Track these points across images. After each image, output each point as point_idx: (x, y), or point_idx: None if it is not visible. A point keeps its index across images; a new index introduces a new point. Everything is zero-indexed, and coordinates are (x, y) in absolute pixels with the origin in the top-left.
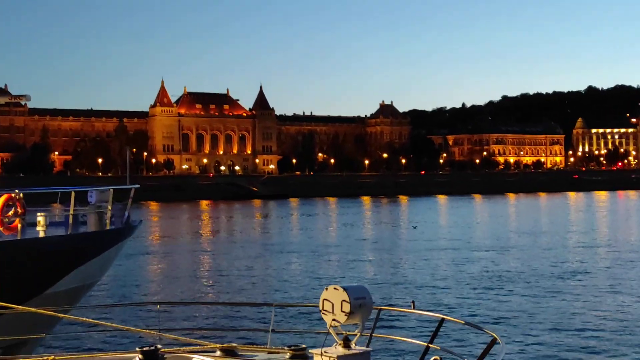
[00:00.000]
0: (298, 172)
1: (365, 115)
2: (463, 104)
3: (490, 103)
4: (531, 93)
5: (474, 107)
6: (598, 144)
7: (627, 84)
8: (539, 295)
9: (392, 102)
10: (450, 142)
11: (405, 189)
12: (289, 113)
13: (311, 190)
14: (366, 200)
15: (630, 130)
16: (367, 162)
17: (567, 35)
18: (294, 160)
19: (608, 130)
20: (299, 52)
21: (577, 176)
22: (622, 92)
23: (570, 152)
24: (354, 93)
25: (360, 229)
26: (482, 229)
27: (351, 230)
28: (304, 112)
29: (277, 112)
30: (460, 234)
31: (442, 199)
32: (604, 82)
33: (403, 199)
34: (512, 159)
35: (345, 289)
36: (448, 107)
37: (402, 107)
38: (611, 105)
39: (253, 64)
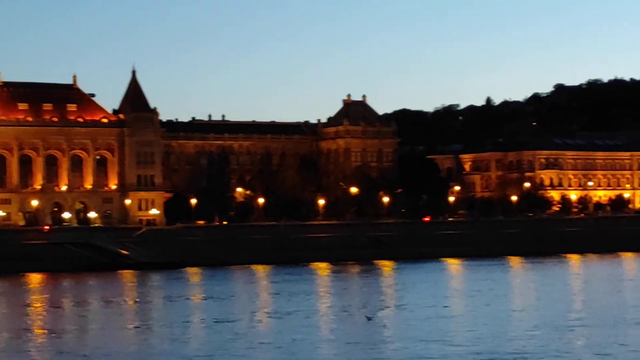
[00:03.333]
0: (201, 222)
1: (319, 121)
2: (488, 100)
3: (535, 98)
4: (605, 80)
5: (506, 105)
6: None
7: None
8: None
9: (364, 97)
10: (468, 167)
11: (390, 248)
12: (184, 118)
13: (224, 253)
14: (322, 268)
15: None
16: (322, 202)
17: None
18: (194, 201)
19: None
20: (200, 21)
21: None
22: None
23: None
24: (297, 84)
25: (305, 323)
26: (522, 324)
27: (289, 320)
28: (210, 117)
29: (164, 117)
30: (473, 336)
31: (453, 264)
32: None
33: (386, 265)
34: (574, 195)
35: None
36: (462, 106)
37: (382, 106)
38: None
39: (120, 35)
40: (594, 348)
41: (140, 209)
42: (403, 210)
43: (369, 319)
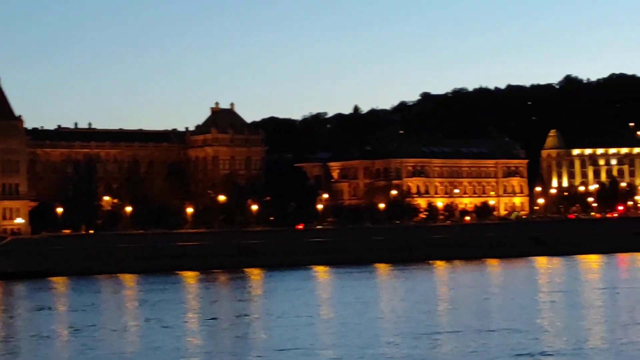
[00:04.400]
0: (67, 230)
1: (187, 129)
2: (355, 108)
3: (403, 106)
4: (470, 89)
5: (374, 114)
6: (584, 175)
7: (626, 72)
8: None
9: (232, 104)
10: (336, 175)
11: (260, 256)
12: (49, 126)
13: (91, 262)
14: (190, 277)
15: (637, 150)
16: (190, 210)
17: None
18: (60, 210)
19: (600, 150)
20: (64, 27)
21: (574, 215)
22: (619, 85)
23: (539, 189)
24: (165, 91)
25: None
26: (386, 331)
27: (153, 329)
28: (76, 125)
29: (29, 125)
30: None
31: (322, 271)
32: (593, 71)
33: (255, 273)
34: (440, 202)
35: None
36: (330, 114)
37: (250, 114)
38: (605, 108)
39: None
40: (456, 355)
41: (4, 218)
42: (271, 218)
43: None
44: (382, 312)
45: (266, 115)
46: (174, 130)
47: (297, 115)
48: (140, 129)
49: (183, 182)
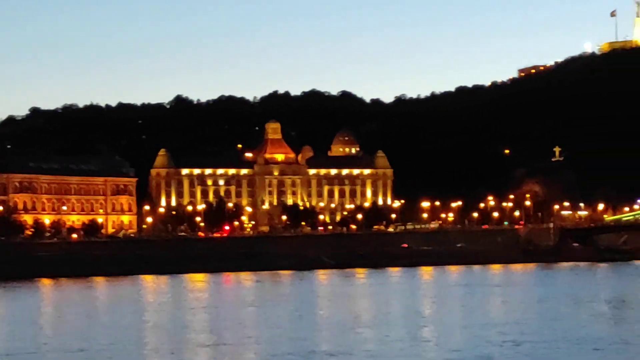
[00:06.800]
0: None
1: None
2: None
3: (11, 120)
4: (81, 105)
5: None
6: (193, 194)
7: (235, 94)
8: None
9: None
10: None
11: None
12: None
13: None
14: None
15: (244, 171)
16: None
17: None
18: None
19: (209, 171)
20: None
21: (201, 233)
22: (228, 106)
23: (147, 208)
24: None
25: None
26: None
27: None
28: None
29: None
30: None
31: None
32: (203, 92)
33: None
34: (48, 219)
35: None
36: None
37: None
38: (214, 129)
39: None
40: None
41: None
42: None
43: None
44: None
45: None
46: None
47: None
48: None
49: None
